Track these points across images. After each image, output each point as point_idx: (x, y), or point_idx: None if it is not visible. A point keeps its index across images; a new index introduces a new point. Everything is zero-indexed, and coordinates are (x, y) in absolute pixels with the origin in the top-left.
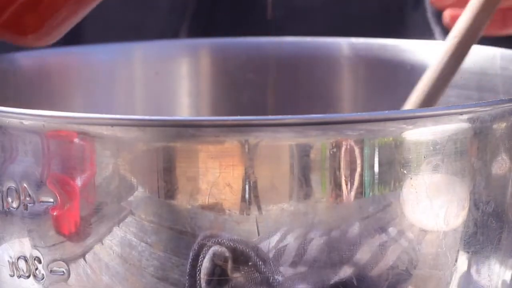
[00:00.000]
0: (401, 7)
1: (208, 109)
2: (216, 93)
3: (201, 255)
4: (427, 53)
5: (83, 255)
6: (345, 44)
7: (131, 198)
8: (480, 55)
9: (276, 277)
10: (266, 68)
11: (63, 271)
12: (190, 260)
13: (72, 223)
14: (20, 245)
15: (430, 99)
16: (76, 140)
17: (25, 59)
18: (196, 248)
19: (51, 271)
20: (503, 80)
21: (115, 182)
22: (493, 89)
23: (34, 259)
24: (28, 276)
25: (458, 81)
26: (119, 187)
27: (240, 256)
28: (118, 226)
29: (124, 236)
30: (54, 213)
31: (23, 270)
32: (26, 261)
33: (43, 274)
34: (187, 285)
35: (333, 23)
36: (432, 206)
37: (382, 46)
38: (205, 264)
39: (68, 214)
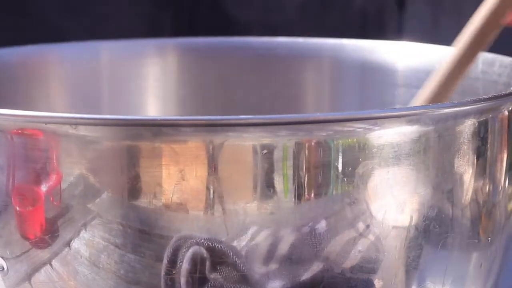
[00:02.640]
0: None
1: (174, 109)
2: (182, 92)
3: (180, 256)
4: (416, 55)
5: (49, 261)
6: (319, 44)
7: (97, 200)
8: None
9: (252, 274)
10: (236, 69)
11: (2, 267)
12: (166, 261)
13: (38, 227)
14: None
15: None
16: (40, 139)
17: None
18: (171, 250)
19: None
20: (483, 83)
21: (80, 183)
22: (475, 93)
23: None
24: None
25: None
26: (84, 188)
27: (218, 255)
28: (85, 230)
29: (92, 239)
30: (19, 216)
31: None
32: None
33: None
34: (163, 286)
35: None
36: (392, 203)
37: (372, 48)
38: (185, 265)
39: (33, 217)
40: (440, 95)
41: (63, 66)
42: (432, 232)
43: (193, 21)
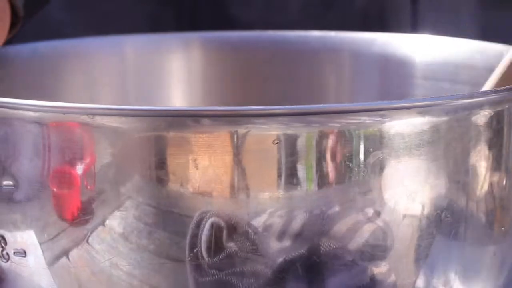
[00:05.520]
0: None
1: (199, 101)
2: (207, 86)
3: (201, 226)
4: (433, 48)
5: (85, 238)
6: (339, 38)
7: (128, 185)
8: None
9: (264, 246)
10: (260, 62)
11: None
12: (190, 231)
13: (75, 208)
14: None
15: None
16: (75, 130)
17: (18, 52)
18: (195, 222)
19: (14, 252)
20: None
21: (112, 170)
22: None
23: (0, 241)
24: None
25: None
26: (116, 174)
27: (234, 226)
28: (118, 210)
29: (124, 218)
30: (56, 198)
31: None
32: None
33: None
34: (187, 254)
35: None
36: (403, 192)
37: (391, 41)
38: (205, 232)
39: (70, 200)
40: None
41: (88, 60)
42: (444, 223)
43: (195, 20)
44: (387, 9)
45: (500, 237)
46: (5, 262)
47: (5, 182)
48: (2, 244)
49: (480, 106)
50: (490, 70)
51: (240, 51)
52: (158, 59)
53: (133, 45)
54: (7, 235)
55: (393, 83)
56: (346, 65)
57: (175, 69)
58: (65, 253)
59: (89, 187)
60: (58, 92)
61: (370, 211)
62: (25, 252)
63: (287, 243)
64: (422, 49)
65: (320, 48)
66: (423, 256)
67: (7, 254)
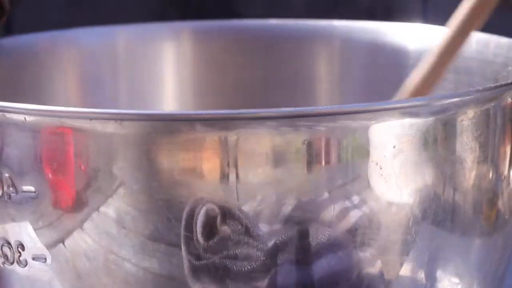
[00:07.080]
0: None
1: (191, 92)
2: (199, 75)
3: (196, 212)
4: (426, 37)
5: (80, 225)
6: (330, 27)
7: (122, 171)
8: None
9: (255, 229)
10: (250, 51)
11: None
12: (185, 216)
13: (69, 198)
14: (3, 231)
15: (426, 86)
16: (66, 132)
17: (7, 44)
18: (189, 208)
19: (33, 258)
20: (478, 63)
21: (107, 163)
22: (469, 71)
23: (18, 247)
24: (12, 263)
25: None
26: (110, 167)
27: (227, 211)
28: (112, 197)
29: (118, 205)
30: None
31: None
32: (9, 248)
33: (25, 261)
34: (183, 238)
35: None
36: (400, 194)
37: (383, 29)
38: (200, 218)
39: (64, 188)
40: (433, 75)
41: (78, 51)
42: (431, 214)
43: (200, 18)
44: (393, 12)
45: (487, 229)
46: (23, 267)
47: (24, 188)
48: (19, 249)
49: (466, 105)
50: (484, 59)
51: (232, 40)
52: (148, 48)
53: (123, 35)
54: (26, 240)
55: (385, 73)
56: (337, 54)
57: (166, 59)
58: (61, 240)
59: (82, 179)
60: (46, 85)
61: (357, 199)
62: (45, 258)
63: (277, 229)
64: (415, 38)
65: (311, 37)
66: (410, 245)
67: (25, 260)
